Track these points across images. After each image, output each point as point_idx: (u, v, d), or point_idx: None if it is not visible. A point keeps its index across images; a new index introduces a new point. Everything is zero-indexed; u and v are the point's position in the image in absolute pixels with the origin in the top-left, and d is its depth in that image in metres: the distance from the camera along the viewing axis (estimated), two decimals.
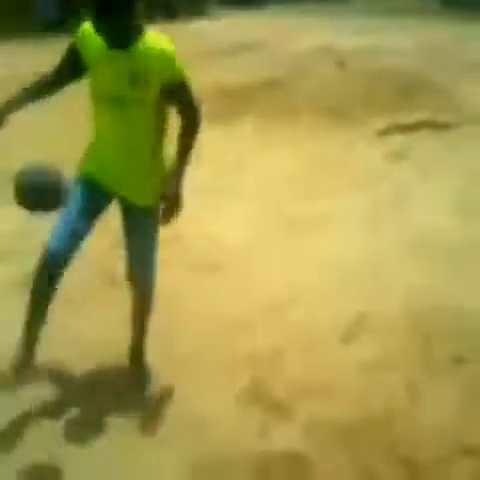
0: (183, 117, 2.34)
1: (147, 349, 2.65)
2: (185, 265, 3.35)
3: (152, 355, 2.67)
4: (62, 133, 5.23)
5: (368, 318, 2.99)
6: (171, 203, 2.33)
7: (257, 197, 4.35)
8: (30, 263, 2.22)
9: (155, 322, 2.68)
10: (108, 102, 2.26)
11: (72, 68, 2.31)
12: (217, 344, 2.79)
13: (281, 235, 3.78)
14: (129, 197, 2.38)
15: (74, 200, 2.28)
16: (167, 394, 2.56)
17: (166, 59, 2.22)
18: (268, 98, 6.88)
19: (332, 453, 2.30)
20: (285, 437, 2.37)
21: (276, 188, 4.53)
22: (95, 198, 2.33)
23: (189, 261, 3.40)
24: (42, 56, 10.68)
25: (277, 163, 5.08)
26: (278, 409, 2.48)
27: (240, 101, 6.76)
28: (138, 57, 2.20)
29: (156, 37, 2.23)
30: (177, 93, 2.28)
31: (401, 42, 12.78)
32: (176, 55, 2.23)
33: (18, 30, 12.34)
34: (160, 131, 2.35)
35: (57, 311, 2.30)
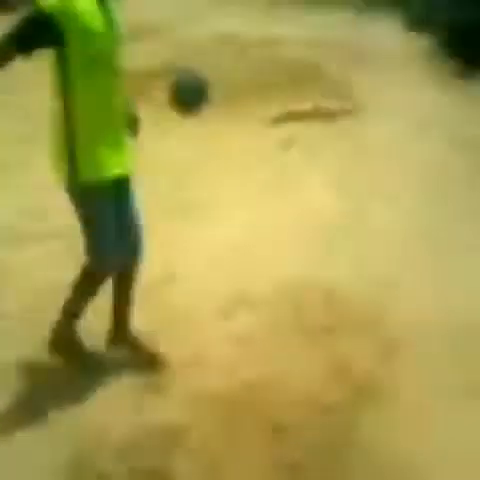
0: None
1: None
2: None
3: None
4: None
5: (245, 295, 3.16)
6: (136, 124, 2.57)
7: (146, 182, 4.39)
8: None
9: None
10: (108, 66, 2.19)
11: (43, 39, 2.05)
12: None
13: (162, 219, 3.82)
14: (131, 169, 2.42)
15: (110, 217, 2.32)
16: None
17: None
18: (165, 85, 6.88)
19: (205, 421, 2.45)
20: (161, 411, 2.49)
21: (164, 175, 4.61)
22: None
23: None
24: None
25: (166, 151, 5.14)
26: (154, 385, 2.60)
27: (136, 88, 6.73)
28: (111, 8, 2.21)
29: None
30: None
31: (297, 32, 13.12)
32: None
33: None
34: None
35: None
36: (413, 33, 14.98)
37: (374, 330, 2.97)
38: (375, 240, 3.75)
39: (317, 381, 2.66)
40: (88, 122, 2.18)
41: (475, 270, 3.46)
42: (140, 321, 2.78)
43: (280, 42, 10.59)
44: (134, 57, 7.79)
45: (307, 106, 6.53)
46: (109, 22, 2.18)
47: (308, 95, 7.07)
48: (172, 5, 14.74)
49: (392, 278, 3.35)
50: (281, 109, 6.35)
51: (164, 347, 2.73)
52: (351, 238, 3.79)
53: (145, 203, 4.09)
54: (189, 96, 2.32)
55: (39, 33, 2.03)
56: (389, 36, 14.64)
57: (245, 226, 3.85)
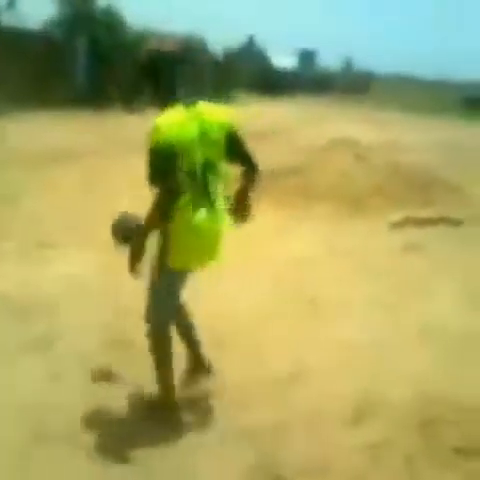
0: None
1: None
2: None
3: None
4: None
5: (372, 402, 3.02)
6: None
7: (273, 279, 4.51)
8: None
9: None
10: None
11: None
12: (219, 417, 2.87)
13: (289, 316, 3.90)
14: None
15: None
16: None
17: None
18: (288, 184, 7.16)
19: None
20: None
21: (292, 271, 4.70)
22: None
23: None
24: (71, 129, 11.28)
25: (293, 247, 5.27)
26: None
27: (261, 185, 7.00)
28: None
29: None
30: None
31: (417, 138, 13.26)
32: None
33: (51, 101, 13.11)
34: None
35: None
36: None
37: None
38: None
39: None
40: None
41: None
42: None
43: (397, 147, 10.69)
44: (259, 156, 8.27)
45: (429, 213, 6.49)
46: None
47: (429, 202, 7.06)
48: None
49: None
50: (403, 214, 6.35)
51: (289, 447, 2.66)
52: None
53: (273, 296, 4.28)
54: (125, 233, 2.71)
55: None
56: None
57: (374, 331, 3.73)
